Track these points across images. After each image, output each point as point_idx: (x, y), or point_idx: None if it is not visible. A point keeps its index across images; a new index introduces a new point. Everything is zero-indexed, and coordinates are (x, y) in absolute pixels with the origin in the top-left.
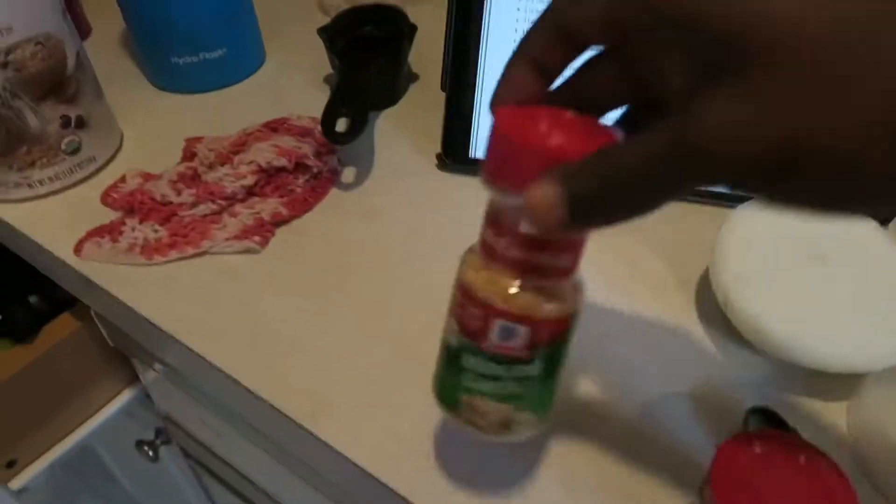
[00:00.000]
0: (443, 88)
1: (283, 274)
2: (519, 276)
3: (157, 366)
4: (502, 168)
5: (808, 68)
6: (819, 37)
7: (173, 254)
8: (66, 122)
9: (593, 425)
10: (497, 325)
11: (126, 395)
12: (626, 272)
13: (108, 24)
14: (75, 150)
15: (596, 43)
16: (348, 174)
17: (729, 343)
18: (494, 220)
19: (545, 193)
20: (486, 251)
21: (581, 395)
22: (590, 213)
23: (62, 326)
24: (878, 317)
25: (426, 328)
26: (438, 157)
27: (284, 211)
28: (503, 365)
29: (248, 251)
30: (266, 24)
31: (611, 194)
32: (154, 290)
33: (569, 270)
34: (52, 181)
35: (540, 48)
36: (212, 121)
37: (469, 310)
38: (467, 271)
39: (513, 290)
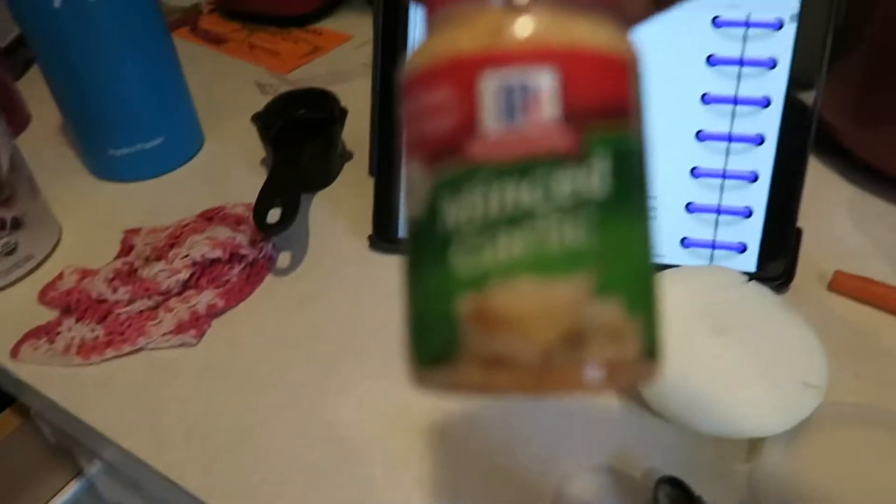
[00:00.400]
0: (371, 173)
1: (219, 367)
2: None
3: (98, 461)
4: None
5: None
6: None
7: (109, 352)
8: (0, 226)
9: (515, 497)
10: (490, 85)
11: (73, 487)
12: None
13: (48, 111)
14: (11, 251)
15: None
16: (283, 259)
17: (642, 412)
18: None
19: None
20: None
21: (501, 466)
22: None
23: (3, 425)
24: (774, 383)
25: (366, 415)
26: (370, 238)
27: (220, 302)
28: (529, 178)
29: (183, 345)
30: (204, 106)
31: None
32: (91, 390)
33: None
34: None
35: None
36: (150, 210)
37: (433, 104)
38: (413, 60)
39: (506, 17)
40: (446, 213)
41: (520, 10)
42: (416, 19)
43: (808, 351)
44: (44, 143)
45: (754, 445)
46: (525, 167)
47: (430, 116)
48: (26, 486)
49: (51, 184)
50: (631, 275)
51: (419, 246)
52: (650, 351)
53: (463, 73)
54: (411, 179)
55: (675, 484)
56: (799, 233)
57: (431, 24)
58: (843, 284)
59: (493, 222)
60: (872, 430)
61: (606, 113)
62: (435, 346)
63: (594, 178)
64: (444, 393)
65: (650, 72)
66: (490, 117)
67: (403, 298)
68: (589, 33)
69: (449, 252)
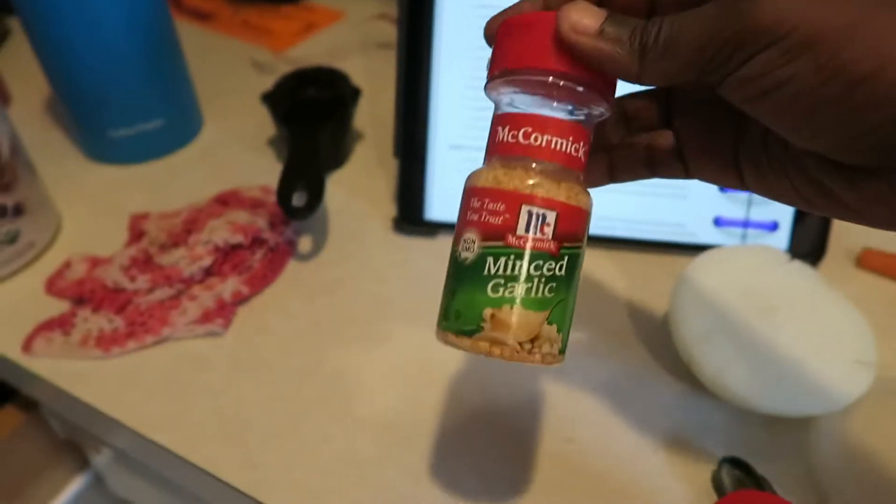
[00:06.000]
0: (395, 154)
1: (250, 357)
2: (535, 161)
3: (108, 451)
4: (516, 53)
5: None
6: None
7: (132, 344)
8: (2, 212)
9: (569, 484)
10: (525, 212)
11: (78, 482)
12: (589, 327)
13: (30, 88)
14: (13, 240)
15: None
16: (304, 244)
17: (692, 392)
18: (504, 117)
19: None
20: (499, 150)
21: (553, 452)
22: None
23: (7, 421)
24: (827, 361)
25: (403, 402)
26: (395, 220)
27: (245, 289)
28: (533, 262)
29: (210, 334)
30: (201, 87)
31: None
32: (114, 384)
33: (580, 161)
34: None
35: None
36: (154, 193)
37: (491, 209)
38: (480, 178)
39: (534, 180)
40: (488, 264)
41: (544, 178)
42: (442, 4)
43: (855, 328)
44: (29, 123)
45: (810, 423)
46: (532, 255)
47: (489, 213)
48: (30, 483)
49: (43, 167)
50: (564, 314)
51: (468, 275)
52: (563, 350)
53: (514, 200)
54: (466, 238)
55: (738, 464)
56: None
57: (494, 159)
58: (871, 261)
59: (510, 276)
60: None
61: (573, 238)
62: (465, 327)
63: (561, 267)
64: (456, 349)
65: None
66: (521, 226)
67: (446, 293)
68: (574, 196)
69: (485, 284)
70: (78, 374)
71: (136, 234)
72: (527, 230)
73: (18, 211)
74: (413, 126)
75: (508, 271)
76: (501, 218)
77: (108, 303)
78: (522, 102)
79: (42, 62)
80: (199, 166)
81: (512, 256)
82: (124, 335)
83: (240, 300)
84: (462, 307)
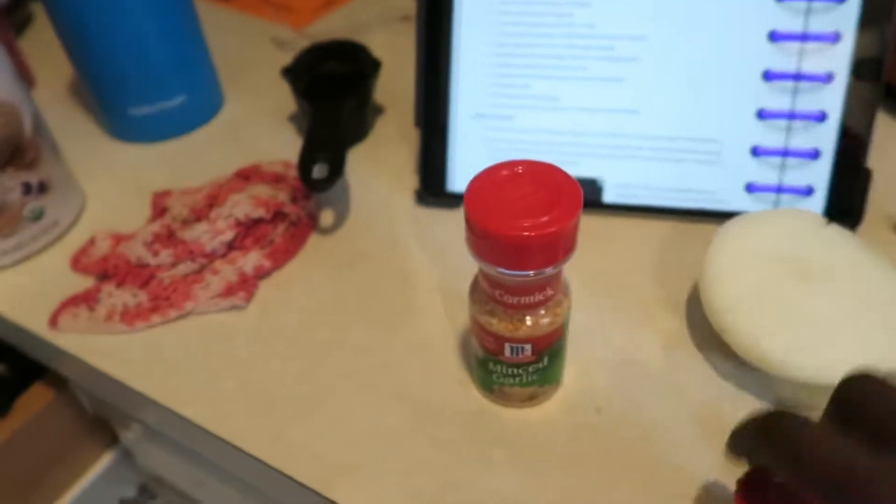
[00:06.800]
0: (417, 125)
1: (274, 332)
2: (517, 312)
3: (138, 426)
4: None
5: None
6: None
7: (156, 318)
8: (27, 189)
9: (597, 455)
10: (508, 347)
11: (107, 458)
12: (617, 298)
13: (53, 72)
14: (38, 217)
15: None
16: (326, 218)
17: (725, 361)
18: (488, 278)
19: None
20: (487, 297)
21: (582, 422)
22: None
23: (36, 398)
24: (867, 328)
25: (428, 375)
26: (417, 192)
27: (267, 263)
28: (518, 367)
29: (234, 308)
30: (221, 65)
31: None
32: (140, 358)
33: (554, 296)
34: (15, 251)
35: None
36: (176, 170)
37: (486, 337)
38: (478, 310)
39: (515, 324)
40: (489, 365)
41: (519, 323)
42: None
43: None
44: (52, 104)
45: None
46: (518, 364)
47: (486, 339)
48: (61, 460)
49: (67, 147)
50: (551, 378)
51: (481, 365)
52: (558, 384)
53: (499, 339)
54: (475, 344)
55: None
56: (868, 173)
57: (484, 299)
58: None
59: (505, 373)
60: None
61: (550, 345)
62: (485, 389)
63: (543, 363)
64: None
65: (717, 12)
66: (507, 353)
67: (472, 362)
68: (546, 325)
69: (491, 374)
70: (103, 349)
71: (159, 210)
72: (511, 354)
73: (43, 188)
74: (434, 95)
75: (503, 371)
76: (493, 345)
77: (131, 278)
78: None
79: (64, 43)
80: (221, 143)
81: (503, 365)
82: (148, 309)
83: (262, 274)
84: (481, 379)
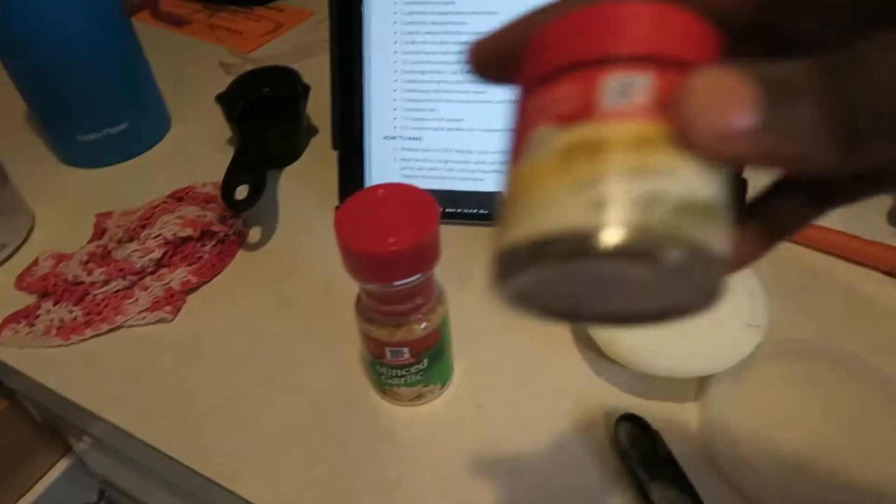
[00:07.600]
0: (334, 147)
1: (197, 342)
2: (391, 319)
3: (86, 437)
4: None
5: None
6: None
7: (89, 332)
8: None
9: (474, 448)
10: (388, 350)
11: (64, 464)
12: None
13: (11, 99)
14: None
15: None
16: (254, 235)
17: (600, 360)
18: (365, 290)
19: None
20: (367, 307)
21: (461, 417)
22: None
23: None
24: (717, 324)
25: (335, 378)
26: (336, 209)
27: (193, 278)
28: (401, 369)
29: (160, 321)
30: (170, 89)
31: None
32: (74, 369)
33: (426, 303)
34: None
35: None
36: (121, 193)
37: (369, 343)
38: (361, 319)
39: (390, 330)
40: (376, 367)
41: (395, 329)
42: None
43: (749, 292)
44: (3, 131)
45: (703, 383)
46: (401, 366)
47: (370, 345)
48: (17, 466)
49: (18, 172)
50: (435, 378)
51: (371, 368)
52: (445, 385)
53: (379, 344)
54: (364, 352)
55: (634, 420)
56: (744, 183)
57: (365, 309)
58: None
59: (390, 375)
60: (813, 362)
61: (428, 348)
62: (379, 389)
63: (423, 365)
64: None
65: None
66: (388, 356)
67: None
68: (421, 330)
69: (380, 376)
70: (42, 362)
71: (99, 231)
72: (392, 357)
73: None
74: (350, 118)
75: (388, 373)
76: (376, 349)
77: (68, 295)
78: None
79: (9, 73)
80: (165, 165)
81: (387, 367)
82: (82, 324)
83: (189, 289)
84: (374, 381)
